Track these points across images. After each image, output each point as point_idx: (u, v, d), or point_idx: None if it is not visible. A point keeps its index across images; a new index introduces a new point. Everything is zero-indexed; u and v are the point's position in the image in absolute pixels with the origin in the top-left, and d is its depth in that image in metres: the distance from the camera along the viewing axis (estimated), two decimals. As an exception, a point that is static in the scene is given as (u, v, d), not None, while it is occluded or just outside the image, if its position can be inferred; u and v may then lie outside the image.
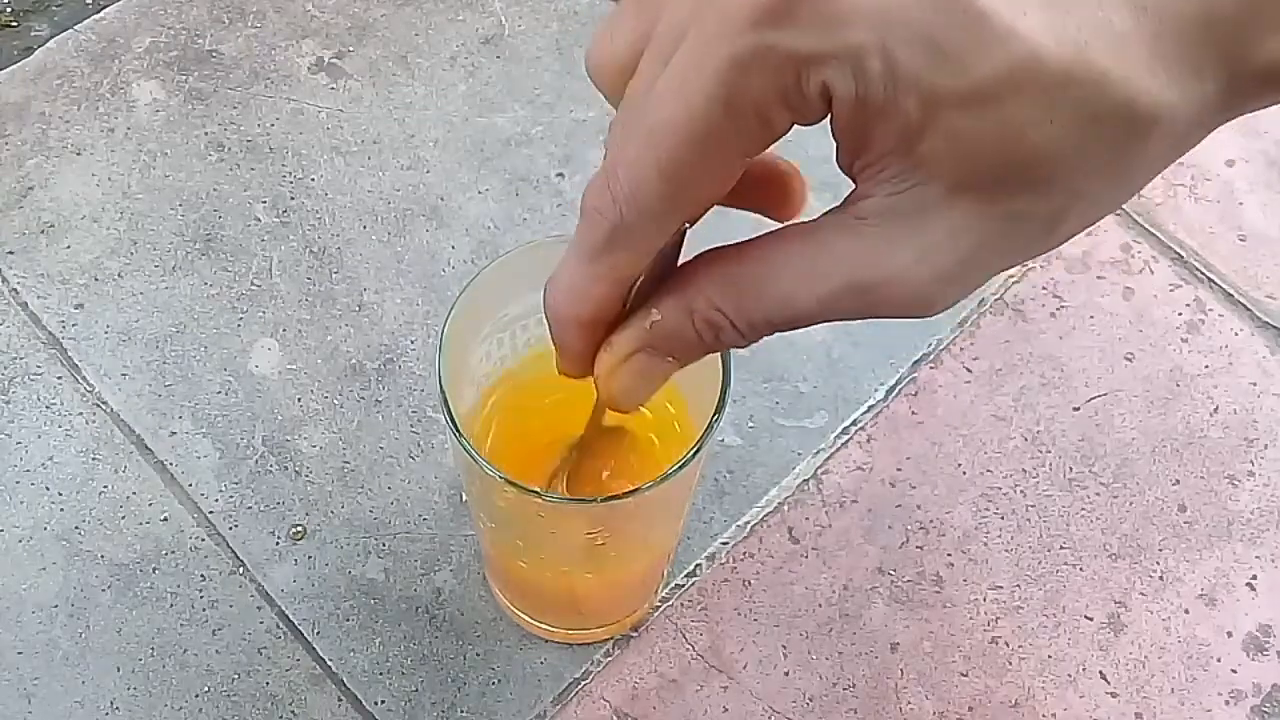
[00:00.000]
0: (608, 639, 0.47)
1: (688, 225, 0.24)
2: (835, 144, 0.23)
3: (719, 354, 0.34)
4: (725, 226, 0.26)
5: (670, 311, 0.25)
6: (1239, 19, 0.20)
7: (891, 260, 0.22)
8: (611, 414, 0.35)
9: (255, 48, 0.60)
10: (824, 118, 0.22)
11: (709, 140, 0.22)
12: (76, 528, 0.48)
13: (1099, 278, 0.56)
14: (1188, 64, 0.20)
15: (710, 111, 0.21)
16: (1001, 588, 0.49)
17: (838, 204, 0.23)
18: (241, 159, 0.57)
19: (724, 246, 0.25)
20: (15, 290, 0.53)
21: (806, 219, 0.24)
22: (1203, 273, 0.56)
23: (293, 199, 0.56)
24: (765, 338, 0.25)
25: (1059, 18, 0.19)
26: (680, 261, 0.26)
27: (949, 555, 0.49)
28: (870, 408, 0.52)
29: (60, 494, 0.49)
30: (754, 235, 0.25)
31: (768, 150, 0.24)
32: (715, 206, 0.24)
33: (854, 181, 0.23)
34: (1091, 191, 0.22)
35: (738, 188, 0.24)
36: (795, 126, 0.22)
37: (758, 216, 0.27)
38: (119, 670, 0.46)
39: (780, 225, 0.25)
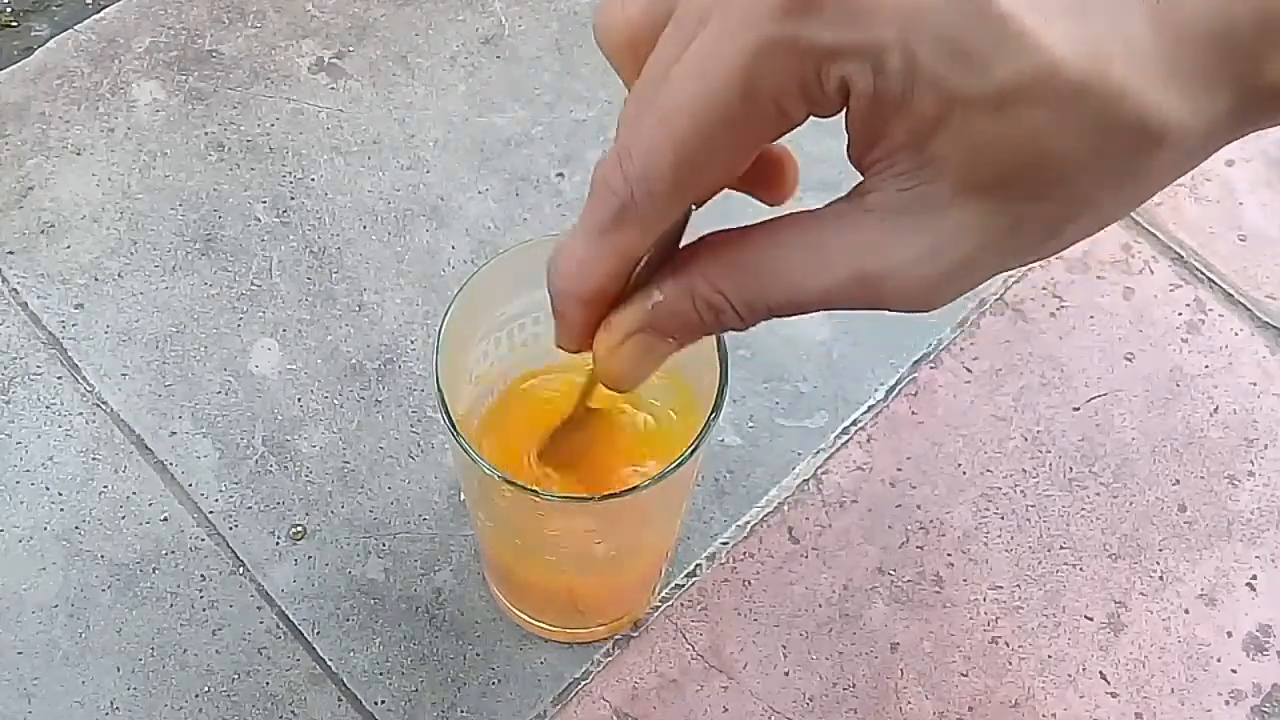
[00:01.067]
0: (608, 638, 0.47)
1: (694, 207, 0.24)
2: (847, 136, 0.23)
3: (718, 353, 0.34)
4: (727, 208, 0.26)
5: (672, 292, 0.25)
6: (1255, 37, 0.20)
7: (895, 255, 0.23)
8: (597, 396, 0.35)
9: (255, 48, 0.60)
10: (840, 111, 0.22)
11: (725, 126, 0.22)
12: (76, 528, 0.48)
13: (1099, 278, 0.56)
14: (1202, 81, 0.20)
15: (729, 98, 0.21)
16: (1001, 588, 0.49)
17: (843, 195, 0.24)
18: (241, 159, 0.57)
19: (728, 230, 0.25)
20: (15, 290, 0.53)
21: (804, 208, 0.24)
22: (1203, 273, 0.56)
23: (293, 199, 0.56)
24: (764, 322, 0.25)
25: (1080, 28, 0.20)
26: (683, 243, 0.26)
27: (949, 555, 0.49)
28: (870, 408, 0.52)
29: (60, 494, 0.49)
30: (757, 220, 0.25)
31: None
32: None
33: (862, 174, 0.23)
34: (1097, 201, 0.22)
35: None
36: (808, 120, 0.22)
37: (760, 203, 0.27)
38: (119, 670, 0.46)
39: (777, 211, 0.25)
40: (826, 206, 0.24)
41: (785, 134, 0.22)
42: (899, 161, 0.22)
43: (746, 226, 0.25)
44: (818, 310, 0.24)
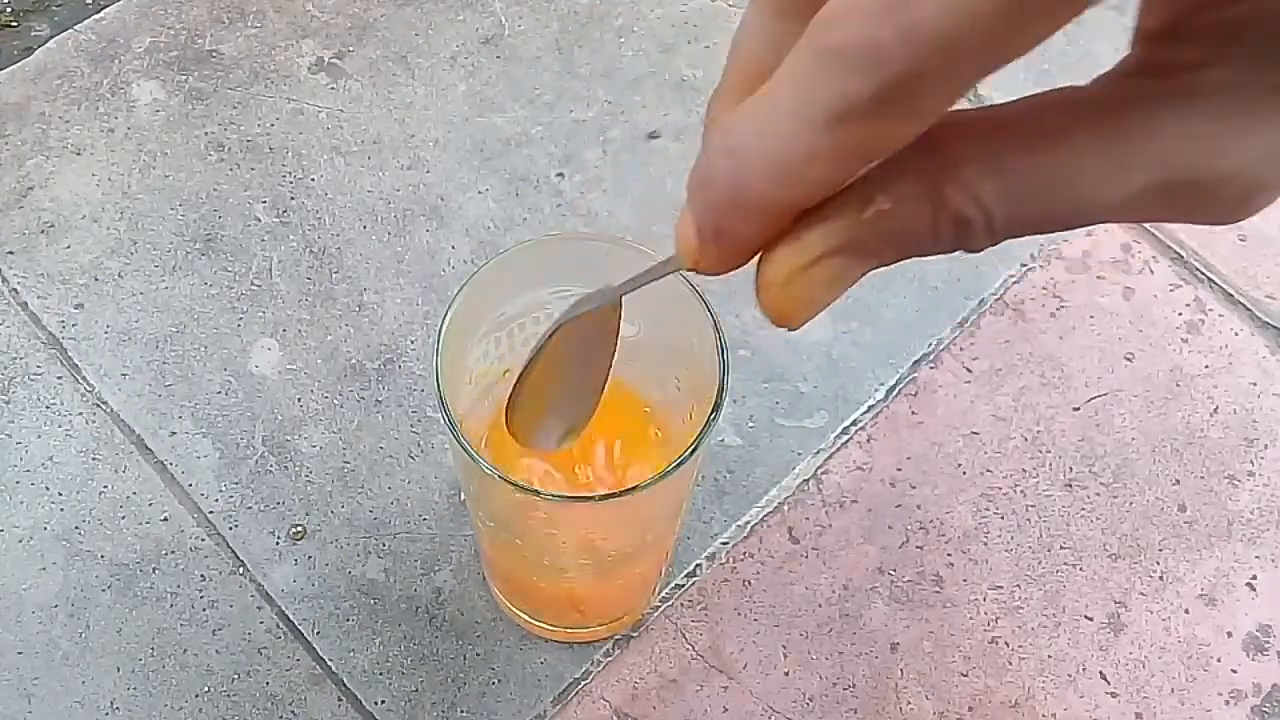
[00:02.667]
0: (608, 638, 0.47)
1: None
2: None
3: (718, 353, 0.34)
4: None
5: (907, 199, 0.18)
6: None
7: (1234, 155, 0.17)
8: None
9: (255, 48, 0.60)
10: None
11: None
12: (76, 528, 0.48)
13: (1099, 278, 0.56)
14: None
15: None
16: (1001, 588, 0.49)
17: (1123, 69, 0.18)
18: (241, 159, 0.57)
19: (981, 112, 0.19)
20: (15, 290, 0.53)
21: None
22: (1202, 273, 0.56)
23: (293, 199, 0.56)
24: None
25: None
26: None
27: (949, 555, 0.49)
28: (870, 408, 0.52)
29: (60, 494, 0.49)
30: (1019, 98, 0.19)
31: None
32: None
33: (1172, 44, 0.18)
34: None
35: None
36: None
37: None
38: (119, 670, 0.46)
39: (1052, 91, 0.19)
40: (1113, 87, 0.18)
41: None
42: (1254, 23, 0.17)
43: (1011, 109, 0.18)
44: (1103, 223, 0.19)
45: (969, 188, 0.18)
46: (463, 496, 0.49)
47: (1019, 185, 0.18)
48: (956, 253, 0.19)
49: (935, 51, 0.15)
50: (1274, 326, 0.55)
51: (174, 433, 0.50)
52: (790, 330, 0.20)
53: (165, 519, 0.48)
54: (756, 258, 0.20)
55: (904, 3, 0.15)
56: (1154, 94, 0.18)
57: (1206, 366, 0.54)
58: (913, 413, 0.52)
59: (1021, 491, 0.51)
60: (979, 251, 0.19)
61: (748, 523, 0.50)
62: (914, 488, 0.51)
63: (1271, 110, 0.17)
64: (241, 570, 0.48)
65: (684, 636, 0.47)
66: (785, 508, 0.50)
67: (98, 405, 0.51)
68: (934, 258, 0.19)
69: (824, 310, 0.20)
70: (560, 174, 0.57)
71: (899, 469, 0.51)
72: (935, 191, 0.18)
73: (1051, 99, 0.18)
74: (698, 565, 0.49)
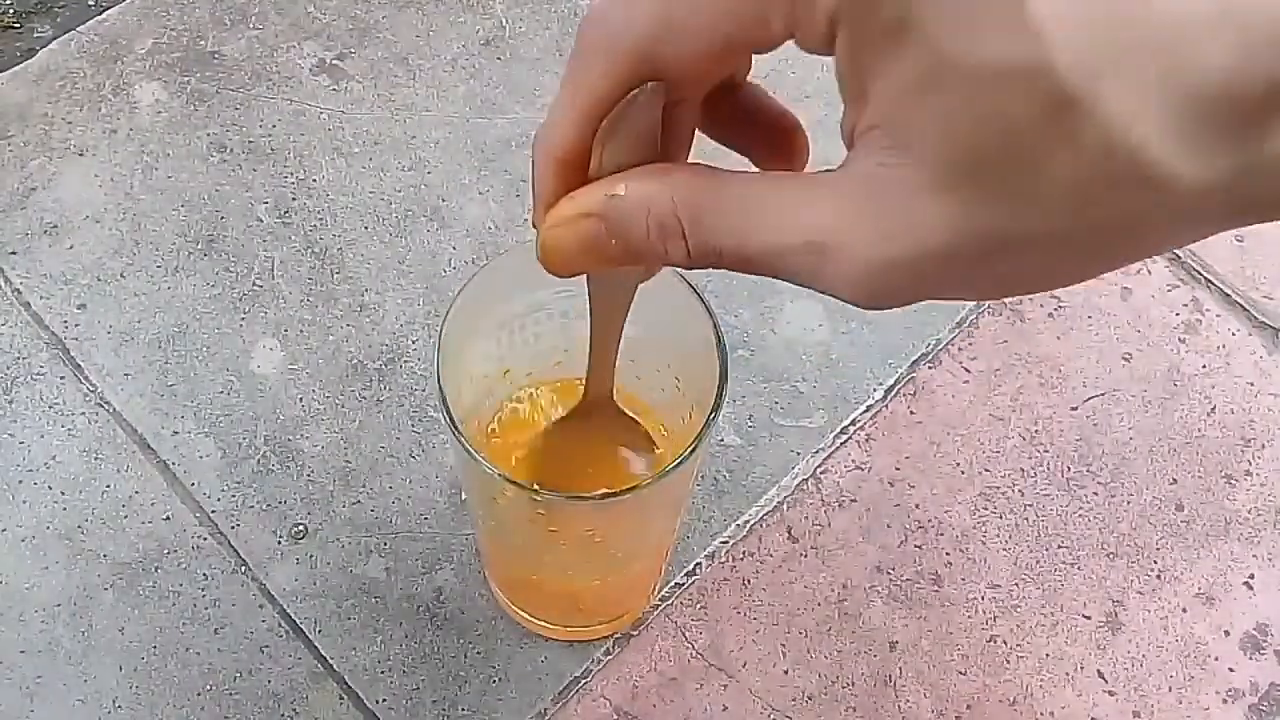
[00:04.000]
0: (608, 637, 0.47)
1: (656, 94, 0.24)
2: (842, 99, 0.22)
3: (717, 353, 0.34)
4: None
5: (634, 193, 0.24)
6: (1265, 104, 0.19)
7: (853, 231, 0.22)
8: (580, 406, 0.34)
9: (257, 49, 0.60)
10: (822, 48, 0.22)
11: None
12: (79, 527, 0.48)
13: (1097, 278, 0.56)
14: (1203, 138, 0.19)
15: None
16: (999, 586, 0.49)
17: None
18: (243, 160, 0.57)
19: (713, 165, 0.24)
20: (18, 290, 0.53)
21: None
22: (1200, 273, 0.56)
23: (294, 200, 0.56)
24: (713, 269, 0.25)
25: (1091, 36, 0.19)
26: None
27: (947, 554, 0.50)
28: (869, 408, 0.52)
29: (63, 493, 0.49)
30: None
31: (777, 101, 0.24)
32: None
33: (849, 148, 0.23)
34: (1071, 235, 0.21)
35: (741, 127, 0.26)
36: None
37: None
38: (121, 669, 0.46)
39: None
40: (814, 172, 0.23)
41: (760, 48, 0.23)
42: (881, 134, 0.21)
43: (739, 171, 0.24)
44: (764, 273, 0.24)
45: (672, 199, 0.24)
46: (464, 496, 0.49)
47: (705, 208, 0.24)
48: (668, 266, 0.25)
49: (593, 35, 0.23)
50: (1271, 326, 0.55)
51: (176, 432, 0.50)
52: (550, 273, 0.26)
53: (167, 518, 0.49)
54: None
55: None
56: (825, 179, 0.23)
57: (1204, 366, 0.54)
58: (911, 412, 0.52)
59: (1020, 491, 0.51)
60: (685, 268, 0.25)
61: (747, 522, 0.50)
62: (912, 487, 0.51)
63: (886, 207, 0.21)
64: (243, 569, 0.48)
65: (684, 635, 0.47)
66: (784, 507, 0.50)
67: (100, 405, 0.51)
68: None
69: (579, 272, 0.26)
70: (560, 175, 0.57)
71: (897, 468, 0.51)
72: (652, 195, 0.24)
73: (771, 171, 0.25)
74: (697, 564, 0.49)
